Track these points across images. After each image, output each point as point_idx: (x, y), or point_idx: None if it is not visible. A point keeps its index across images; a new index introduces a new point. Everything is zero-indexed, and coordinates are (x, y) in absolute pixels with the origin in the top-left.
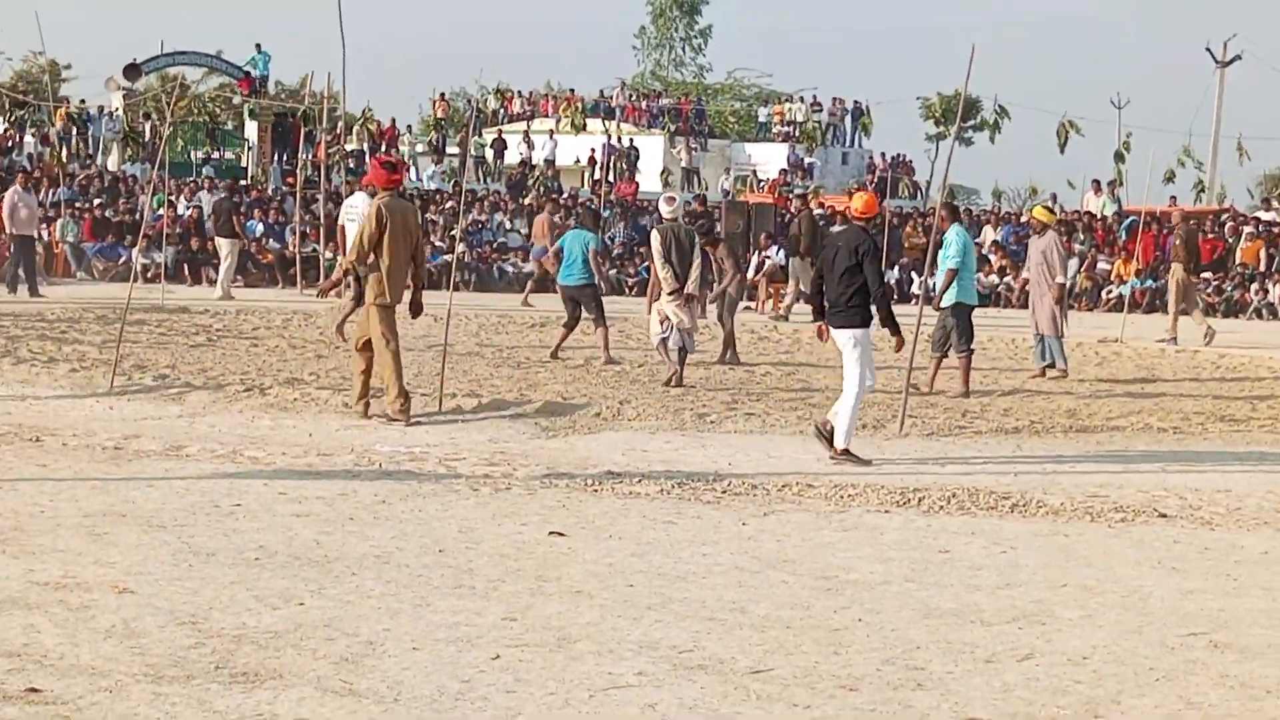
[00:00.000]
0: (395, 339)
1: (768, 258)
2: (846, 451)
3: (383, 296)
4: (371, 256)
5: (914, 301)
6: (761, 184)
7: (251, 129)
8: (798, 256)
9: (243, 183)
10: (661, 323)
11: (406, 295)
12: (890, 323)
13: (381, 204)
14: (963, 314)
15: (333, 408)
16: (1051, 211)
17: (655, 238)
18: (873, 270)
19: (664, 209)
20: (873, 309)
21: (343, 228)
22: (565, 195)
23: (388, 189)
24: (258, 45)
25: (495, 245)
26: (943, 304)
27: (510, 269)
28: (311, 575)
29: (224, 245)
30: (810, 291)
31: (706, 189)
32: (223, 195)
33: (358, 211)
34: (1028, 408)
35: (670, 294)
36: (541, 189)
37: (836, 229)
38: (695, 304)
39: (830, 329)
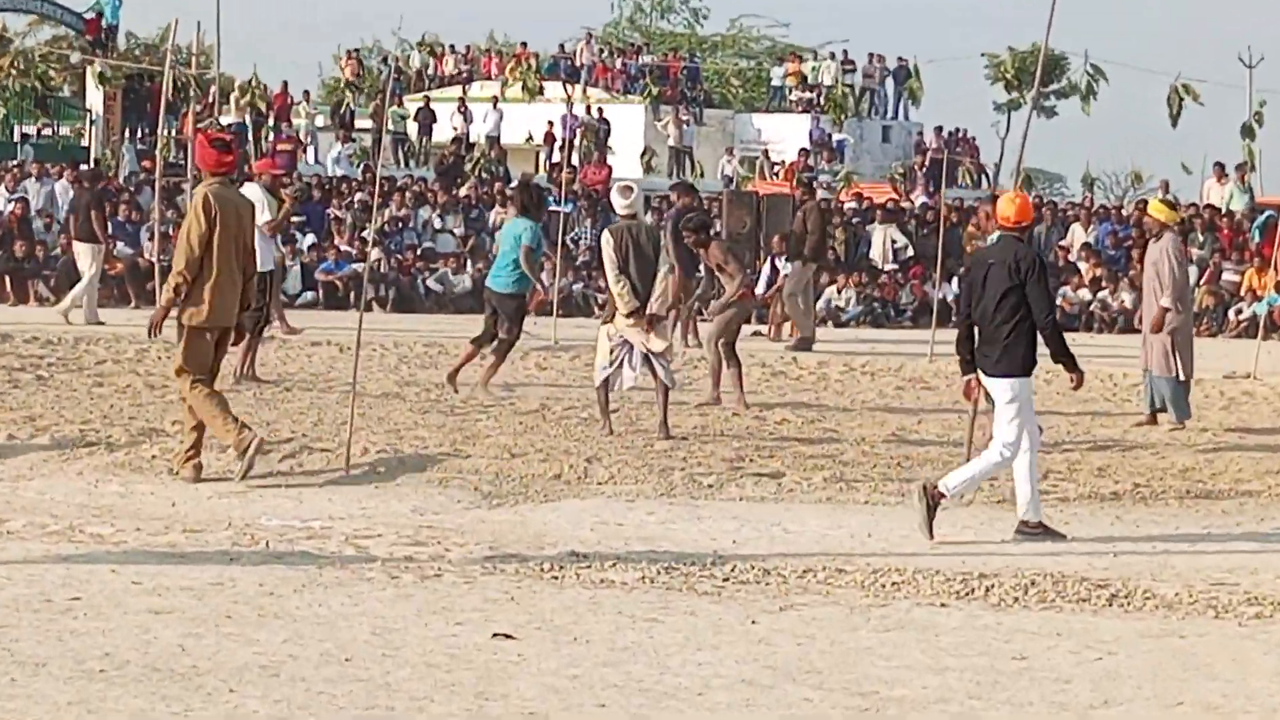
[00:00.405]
0: (210, 377)
1: (781, 270)
2: (1041, 525)
3: (201, 316)
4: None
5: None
6: (776, 169)
7: (96, 96)
8: (799, 260)
9: (83, 166)
10: (612, 351)
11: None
12: (1065, 356)
13: (209, 193)
14: None
15: (203, 465)
16: (1173, 207)
17: (606, 241)
18: (1040, 294)
19: (618, 202)
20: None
21: None
22: (512, 184)
23: (217, 174)
24: None
25: (420, 251)
26: None
27: (439, 285)
28: (175, 693)
29: (84, 252)
30: (959, 338)
31: (701, 174)
32: (84, 185)
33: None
34: (1130, 466)
35: (628, 316)
36: (483, 174)
37: (992, 241)
38: (665, 325)
39: (982, 378)
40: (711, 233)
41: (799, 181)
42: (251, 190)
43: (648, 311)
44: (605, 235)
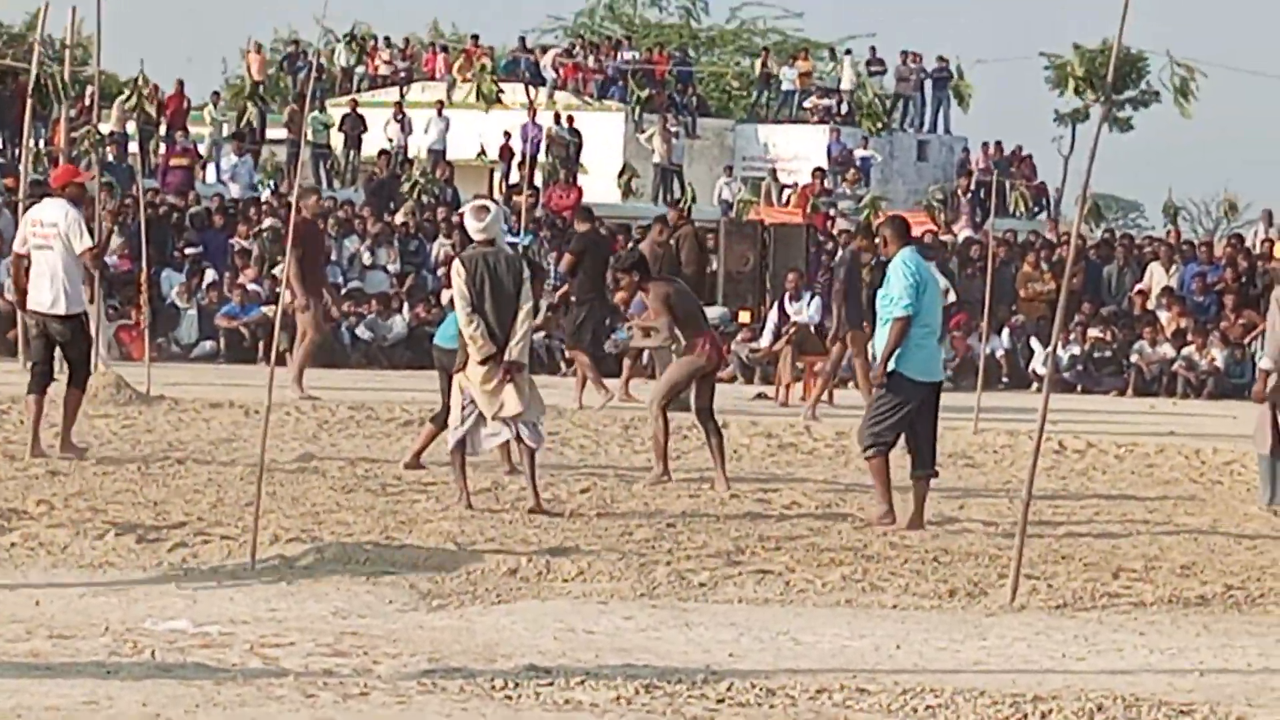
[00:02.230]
0: None
1: (792, 315)
2: None
3: None
4: None
5: (1034, 386)
6: (786, 192)
7: None
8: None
9: None
10: (464, 406)
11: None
12: None
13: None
14: (901, 392)
15: (75, 556)
16: None
17: (457, 272)
18: None
19: (471, 225)
20: None
21: (18, 262)
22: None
23: None
24: None
25: (346, 290)
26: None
27: (368, 332)
28: None
29: None
30: None
31: (694, 199)
32: None
33: (55, 231)
34: (1221, 564)
35: (482, 363)
36: (424, 197)
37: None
38: (524, 376)
39: None
40: (649, 270)
41: (836, 216)
42: (53, 208)
43: (506, 358)
44: (456, 265)
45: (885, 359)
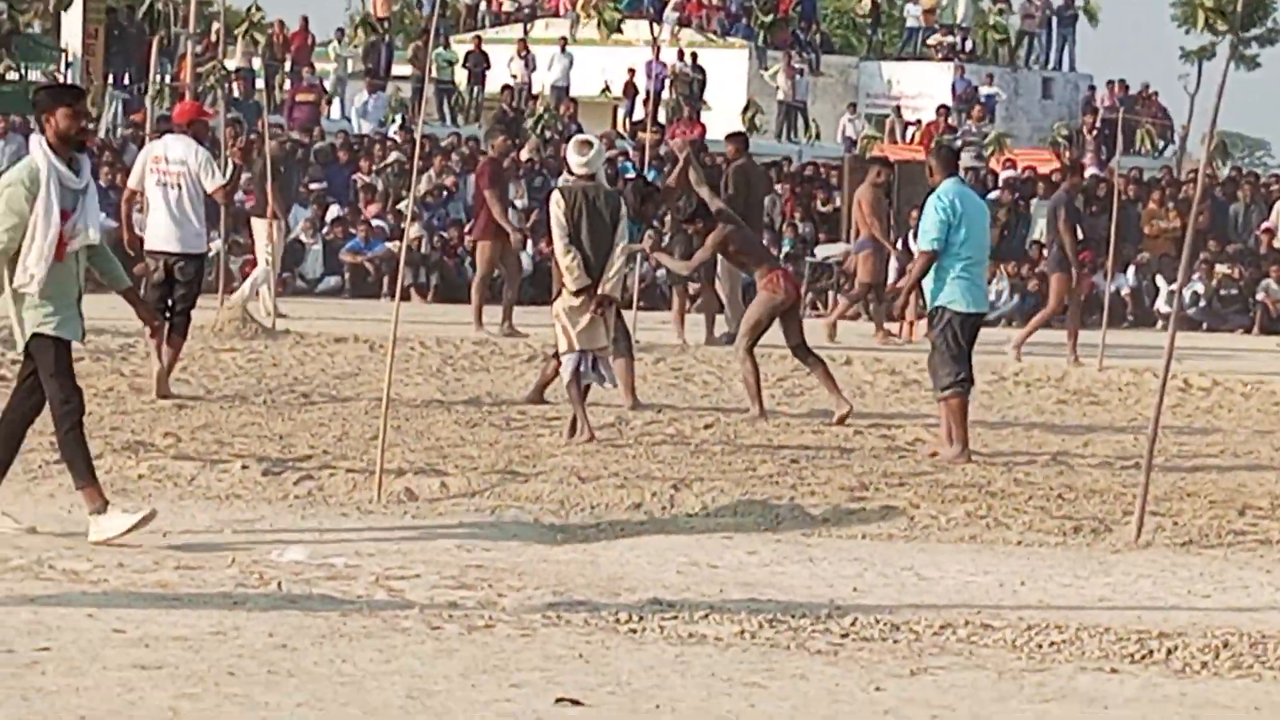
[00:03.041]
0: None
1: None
2: None
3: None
4: None
5: (1159, 324)
6: (910, 129)
7: (73, 33)
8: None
9: None
10: (573, 337)
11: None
12: None
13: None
14: (951, 327)
15: (202, 489)
16: None
17: (556, 203)
18: None
19: (573, 159)
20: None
21: (132, 201)
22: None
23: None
24: None
25: (470, 227)
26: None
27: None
28: None
29: (258, 227)
30: None
31: (818, 135)
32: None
33: (184, 169)
34: None
35: (576, 294)
36: (548, 133)
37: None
38: (609, 313)
39: None
40: (706, 210)
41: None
42: (180, 145)
43: (599, 291)
44: (555, 196)
45: (907, 293)
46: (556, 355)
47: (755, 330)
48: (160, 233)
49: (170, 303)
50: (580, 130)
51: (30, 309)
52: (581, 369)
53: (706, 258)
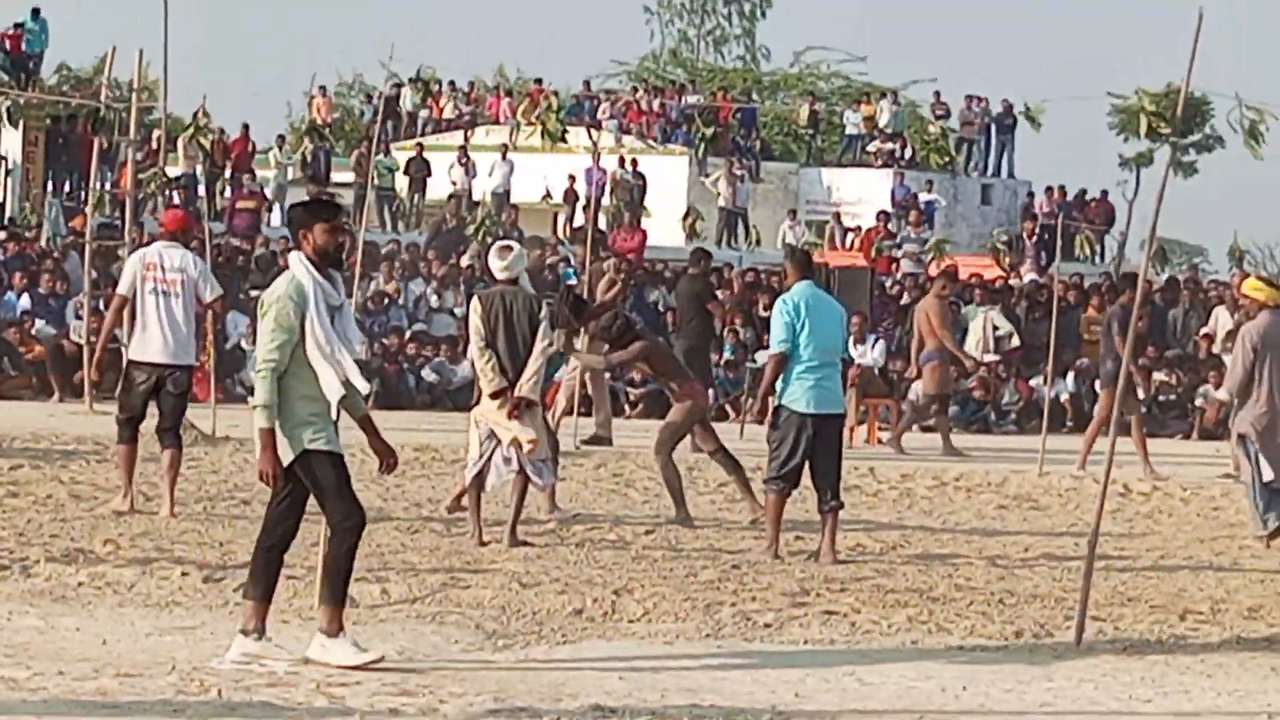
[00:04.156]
0: None
1: (856, 358)
2: None
3: None
4: None
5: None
6: (849, 236)
7: (12, 140)
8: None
9: None
10: (481, 442)
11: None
12: None
13: None
14: (788, 425)
15: (142, 596)
16: (1275, 287)
17: (474, 307)
18: None
19: (494, 264)
20: None
21: (121, 309)
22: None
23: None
24: (35, 10)
25: (411, 334)
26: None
27: (434, 375)
28: None
29: None
30: None
31: (758, 241)
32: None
33: (180, 277)
34: None
35: (492, 397)
36: (489, 239)
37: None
38: (535, 411)
39: None
40: (631, 329)
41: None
42: (175, 253)
43: (516, 394)
44: (474, 301)
45: (762, 397)
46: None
47: (676, 437)
48: (154, 344)
49: (159, 415)
50: (521, 236)
51: (299, 426)
52: (484, 473)
53: (625, 360)
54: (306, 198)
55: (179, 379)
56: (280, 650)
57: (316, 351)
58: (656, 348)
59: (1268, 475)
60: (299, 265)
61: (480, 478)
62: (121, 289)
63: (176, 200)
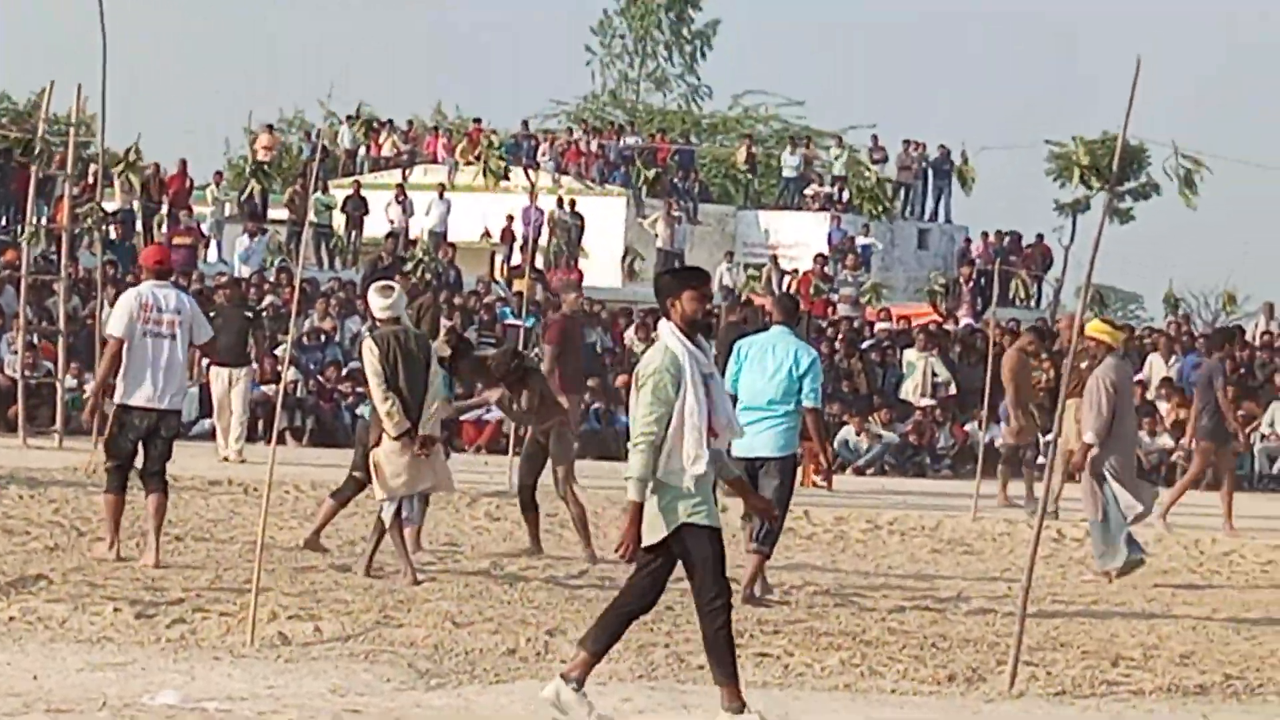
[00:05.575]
0: None
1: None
2: None
3: None
4: None
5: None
6: (786, 279)
7: None
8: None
9: None
10: (392, 479)
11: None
12: None
13: None
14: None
15: (74, 631)
16: (1117, 328)
17: (370, 350)
18: None
19: (377, 303)
20: None
21: (118, 350)
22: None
23: None
24: None
25: (346, 371)
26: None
27: (367, 411)
28: None
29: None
30: None
31: None
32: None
33: (178, 319)
34: (1220, 653)
35: (396, 439)
36: (426, 278)
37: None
38: (438, 451)
39: None
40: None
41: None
42: (169, 294)
43: (420, 433)
44: (368, 344)
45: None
46: (333, 495)
47: (573, 467)
48: (148, 390)
49: (145, 459)
50: (459, 275)
51: (678, 499)
52: (404, 513)
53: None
54: (676, 265)
55: (171, 422)
56: (590, 707)
57: (684, 418)
58: (544, 382)
59: (1134, 509)
60: (670, 336)
61: (398, 515)
62: (115, 331)
63: (113, 236)
